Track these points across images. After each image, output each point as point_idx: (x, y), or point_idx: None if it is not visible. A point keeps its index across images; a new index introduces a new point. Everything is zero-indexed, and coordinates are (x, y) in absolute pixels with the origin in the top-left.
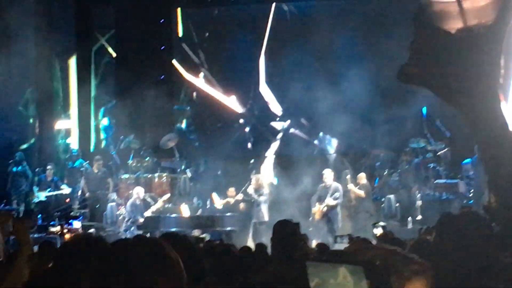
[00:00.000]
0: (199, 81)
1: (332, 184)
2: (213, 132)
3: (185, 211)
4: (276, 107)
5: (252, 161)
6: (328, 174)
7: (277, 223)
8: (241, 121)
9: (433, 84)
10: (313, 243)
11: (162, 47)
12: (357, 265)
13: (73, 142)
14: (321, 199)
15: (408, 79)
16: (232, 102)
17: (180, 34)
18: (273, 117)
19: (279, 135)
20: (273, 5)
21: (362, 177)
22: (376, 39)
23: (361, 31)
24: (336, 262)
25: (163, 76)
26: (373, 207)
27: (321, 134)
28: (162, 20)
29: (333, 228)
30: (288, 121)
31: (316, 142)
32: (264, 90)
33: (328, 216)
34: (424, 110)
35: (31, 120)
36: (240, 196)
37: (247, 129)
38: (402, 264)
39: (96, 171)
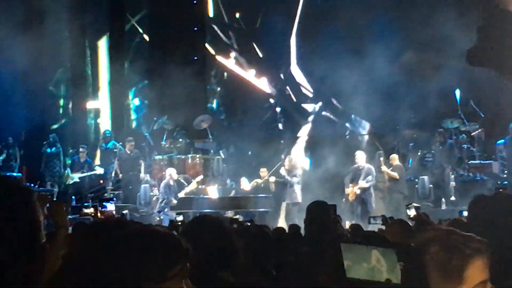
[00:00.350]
0: (230, 62)
1: (365, 166)
2: (243, 113)
3: (212, 192)
4: (306, 88)
5: (282, 141)
6: (360, 156)
7: (311, 204)
8: (272, 101)
9: (499, 65)
10: (347, 224)
11: (195, 28)
12: (390, 248)
13: (103, 123)
14: (354, 180)
15: (476, 62)
16: (262, 83)
17: (211, 14)
18: (304, 98)
19: (311, 118)
20: None
21: (395, 158)
22: (407, 17)
23: (393, 9)
24: (369, 245)
25: (196, 57)
26: (407, 188)
27: (353, 116)
28: (195, 1)
29: (367, 210)
30: (320, 104)
31: (347, 124)
32: (295, 71)
33: (362, 197)
34: (457, 92)
35: (61, 101)
36: (272, 179)
37: (277, 110)
38: (462, 243)
39: (128, 152)
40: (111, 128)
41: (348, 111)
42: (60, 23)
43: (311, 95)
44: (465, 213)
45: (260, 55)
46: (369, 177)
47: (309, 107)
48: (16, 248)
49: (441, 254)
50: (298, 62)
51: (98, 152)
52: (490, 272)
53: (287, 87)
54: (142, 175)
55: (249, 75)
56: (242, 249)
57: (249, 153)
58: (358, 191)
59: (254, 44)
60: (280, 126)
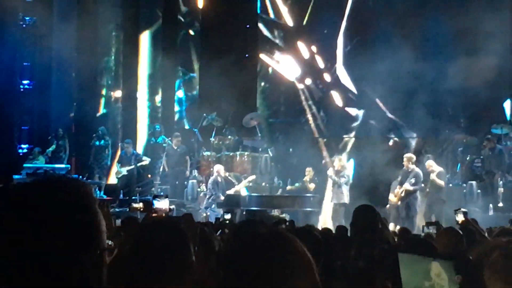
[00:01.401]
0: (273, 61)
1: (414, 169)
2: (286, 110)
3: (242, 191)
4: (351, 90)
5: (324, 140)
6: (409, 159)
7: (358, 208)
8: (316, 98)
9: None
10: (391, 227)
11: (247, 26)
12: (449, 260)
13: (141, 114)
14: (402, 183)
15: None
16: (306, 84)
17: (258, 10)
18: (349, 101)
19: (355, 124)
20: None
21: (431, 164)
22: (459, 20)
23: (445, 11)
24: (426, 256)
25: (247, 55)
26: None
27: (399, 121)
28: None
29: (411, 213)
30: (363, 111)
31: (392, 133)
32: (341, 71)
33: (406, 201)
34: (507, 103)
35: (104, 90)
36: (312, 185)
37: (321, 111)
38: None
39: (175, 147)
40: (149, 120)
41: (394, 115)
42: (109, 14)
43: (355, 98)
44: None
45: (306, 55)
46: (412, 180)
47: (352, 111)
48: (79, 253)
49: (501, 262)
50: (344, 62)
51: (138, 145)
52: None
53: (332, 91)
54: (187, 172)
55: (293, 75)
56: None
57: (290, 150)
58: (403, 194)
59: (300, 43)
60: (322, 127)
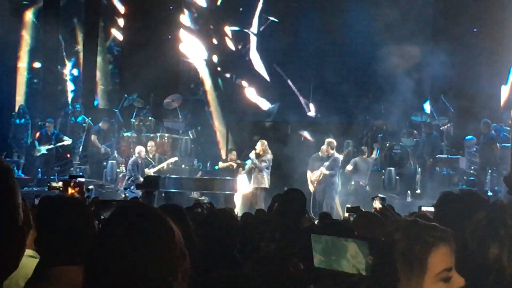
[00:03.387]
0: (183, 42)
1: (334, 154)
2: (196, 88)
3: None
4: (264, 76)
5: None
6: (329, 144)
7: (287, 191)
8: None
9: None
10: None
11: (171, 7)
12: (363, 241)
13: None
14: (321, 166)
15: None
16: (216, 69)
17: None
18: (261, 87)
19: (269, 119)
20: None
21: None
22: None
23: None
24: (341, 236)
25: (169, 36)
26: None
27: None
28: None
29: (328, 198)
30: (276, 106)
31: (306, 121)
32: (254, 57)
33: (324, 185)
34: (426, 104)
35: (20, 66)
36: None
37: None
38: (425, 231)
39: (104, 129)
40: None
41: (310, 100)
42: None
43: (267, 85)
44: (424, 208)
45: (218, 38)
46: (330, 165)
47: (264, 104)
48: None
49: (403, 243)
50: (257, 46)
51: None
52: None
53: (242, 77)
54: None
55: (202, 58)
56: (210, 232)
57: (199, 128)
58: (321, 177)
59: (212, 26)
60: (225, 111)
